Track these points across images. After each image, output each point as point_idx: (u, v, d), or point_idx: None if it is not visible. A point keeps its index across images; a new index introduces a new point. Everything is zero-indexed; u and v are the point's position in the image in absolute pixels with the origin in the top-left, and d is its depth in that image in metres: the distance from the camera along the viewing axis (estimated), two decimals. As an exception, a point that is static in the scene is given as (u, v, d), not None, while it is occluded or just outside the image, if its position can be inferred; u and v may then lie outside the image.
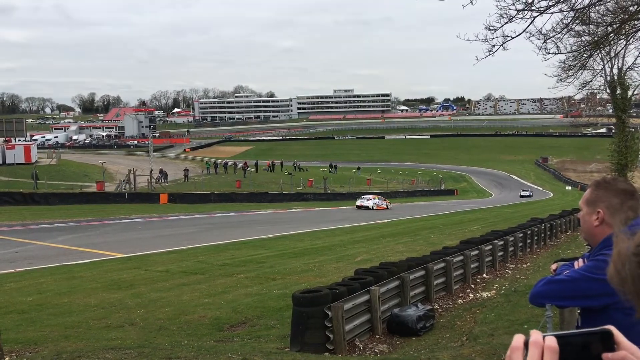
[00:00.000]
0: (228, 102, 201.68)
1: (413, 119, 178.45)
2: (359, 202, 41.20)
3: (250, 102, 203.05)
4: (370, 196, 42.66)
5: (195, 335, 8.67)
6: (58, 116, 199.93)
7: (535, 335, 0.86)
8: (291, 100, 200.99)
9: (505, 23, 9.85)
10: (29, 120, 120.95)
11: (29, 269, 14.84)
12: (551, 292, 2.22)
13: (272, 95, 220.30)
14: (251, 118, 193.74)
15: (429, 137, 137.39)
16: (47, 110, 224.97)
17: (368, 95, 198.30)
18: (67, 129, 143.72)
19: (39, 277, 13.59)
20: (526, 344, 0.86)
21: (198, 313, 10.00)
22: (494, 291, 12.04)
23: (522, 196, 61.38)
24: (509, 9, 9.61)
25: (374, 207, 40.38)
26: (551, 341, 0.84)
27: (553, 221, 22.27)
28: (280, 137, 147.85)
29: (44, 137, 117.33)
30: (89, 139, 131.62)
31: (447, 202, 52.50)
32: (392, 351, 8.29)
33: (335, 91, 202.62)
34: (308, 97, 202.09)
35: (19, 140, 57.18)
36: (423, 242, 20.03)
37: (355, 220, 30.67)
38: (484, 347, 7.26)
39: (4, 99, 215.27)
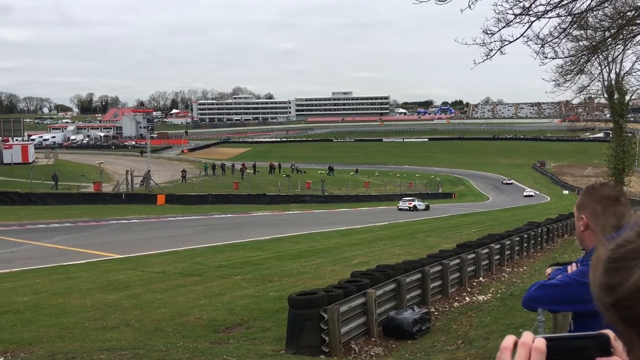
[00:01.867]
0: (226, 104, 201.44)
1: (411, 122, 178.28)
2: (525, 193, 63.98)
3: (248, 103, 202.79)
4: (531, 189, 66.49)
5: (191, 336, 8.67)
6: (56, 116, 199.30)
7: (526, 336, 0.86)
8: (289, 102, 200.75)
9: (503, 27, 9.91)
10: (27, 120, 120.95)
11: (24, 269, 14.81)
12: (543, 297, 2.23)
13: (270, 97, 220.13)
14: (249, 120, 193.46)
15: (427, 140, 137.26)
16: (45, 110, 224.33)
17: (366, 98, 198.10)
18: (65, 129, 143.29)
19: (35, 278, 13.57)
20: (516, 345, 0.87)
21: (194, 314, 9.99)
22: (490, 295, 12.06)
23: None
24: (507, 13, 9.67)
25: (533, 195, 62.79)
26: (539, 343, 0.84)
27: (550, 225, 22.28)
28: (279, 139, 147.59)
29: (42, 137, 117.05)
30: (87, 139, 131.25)
31: (445, 205, 52.50)
32: (387, 354, 8.29)
33: (333, 93, 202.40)
34: (306, 99, 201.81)
35: (17, 139, 57.26)
36: (420, 245, 20.03)
37: (353, 222, 30.68)
38: (480, 350, 7.27)
39: (2, 98, 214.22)
